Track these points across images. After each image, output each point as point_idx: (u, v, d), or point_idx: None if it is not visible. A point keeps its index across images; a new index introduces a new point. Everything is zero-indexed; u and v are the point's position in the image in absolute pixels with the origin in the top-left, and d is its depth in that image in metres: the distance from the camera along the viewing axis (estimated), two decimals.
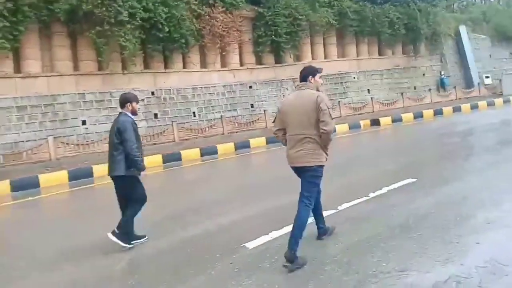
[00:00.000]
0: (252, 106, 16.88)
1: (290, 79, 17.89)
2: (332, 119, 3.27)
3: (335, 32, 19.53)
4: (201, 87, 15.72)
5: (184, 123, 14.66)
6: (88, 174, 9.53)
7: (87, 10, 11.94)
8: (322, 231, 3.85)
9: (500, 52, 26.01)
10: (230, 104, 16.29)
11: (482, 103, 18.24)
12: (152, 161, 11.00)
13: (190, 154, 11.84)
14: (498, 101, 18.73)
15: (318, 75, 3.51)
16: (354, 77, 19.81)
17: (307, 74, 3.49)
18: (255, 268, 3.38)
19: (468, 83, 23.54)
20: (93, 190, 8.56)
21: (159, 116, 14.51)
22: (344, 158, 8.70)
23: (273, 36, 16.52)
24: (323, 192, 3.87)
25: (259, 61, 17.68)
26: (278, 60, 17.82)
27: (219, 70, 16.35)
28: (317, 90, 3.48)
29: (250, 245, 3.89)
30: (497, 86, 22.47)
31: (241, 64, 17.19)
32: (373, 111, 18.26)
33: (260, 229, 4.23)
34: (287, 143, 3.49)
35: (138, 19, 12.93)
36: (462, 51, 24.06)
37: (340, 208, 4.72)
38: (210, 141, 13.72)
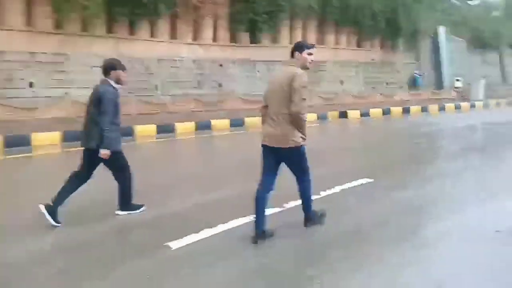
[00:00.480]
0: (220, 85, 16.13)
1: (264, 61, 17.21)
2: (303, 99, 3.09)
3: (315, 18, 18.92)
4: (168, 60, 14.79)
5: (144, 96, 13.77)
6: (26, 142, 8.62)
7: None
8: (261, 234, 3.32)
9: (474, 57, 26.33)
10: (197, 81, 15.48)
11: (450, 106, 18.32)
12: None
13: (145, 130, 11.06)
14: (465, 105, 18.91)
15: (306, 51, 3.31)
16: (329, 67, 19.38)
17: (294, 49, 3.33)
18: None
19: (439, 84, 23.73)
20: (28, 160, 7.71)
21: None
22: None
23: (250, 14, 15.72)
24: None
25: (233, 39, 16.86)
26: (254, 40, 17.07)
27: (189, 44, 15.43)
28: (305, 68, 3.30)
29: (174, 244, 3.34)
30: (466, 91, 22.76)
31: (214, 40, 16.33)
32: (344, 103, 17.97)
33: (188, 228, 3.69)
34: (263, 121, 3.35)
35: None
36: (437, 52, 24.14)
37: (286, 206, 4.24)
38: (170, 118, 12.94)
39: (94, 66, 13.09)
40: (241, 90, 16.22)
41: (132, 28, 14.05)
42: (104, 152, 3.70)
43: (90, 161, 3.85)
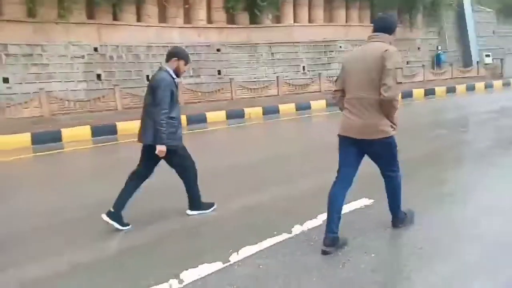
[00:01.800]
0: (219, 72, 14.66)
1: (266, 43, 15.60)
2: (399, 83, 2.61)
3: None
4: (158, 46, 13.40)
5: (133, 88, 12.49)
6: None
7: None
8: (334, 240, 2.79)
9: (505, 28, 23.75)
10: (192, 68, 14.05)
11: (479, 85, 16.27)
12: (76, 134, 9.03)
13: (130, 127, 9.78)
14: (497, 83, 16.78)
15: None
16: (340, 46, 17.53)
17: (384, 25, 2.83)
18: None
19: (467, 61, 21.44)
20: None
21: (103, 77, 12.28)
22: (291, 150, 6.78)
23: None
24: None
25: (231, 20, 15.28)
26: (254, 20, 15.43)
27: (181, 27, 13.97)
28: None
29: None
30: (498, 67, 20.45)
31: (209, 22, 14.80)
32: None
33: None
34: (344, 108, 2.86)
35: None
36: (463, 26, 21.77)
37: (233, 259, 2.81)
38: None
39: (75, 57, 11.91)
40: (241, 77, 14.71)
41: (116, 13, 12.68)
42: (160, 149, 3.34)
43: (149, 157, 3.50)
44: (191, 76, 13.96)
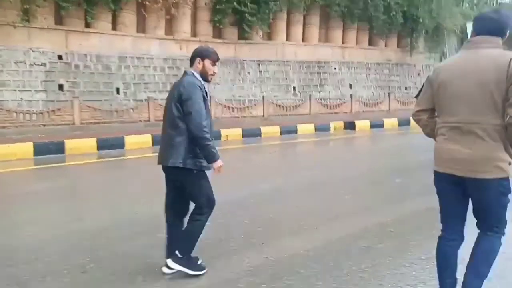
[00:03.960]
0: None
1: (254, 60, 14.47)
2: None
3: (318, 11, 16.07)
4: (132, 57, 12.22)
5: (99, 101, 11.22)
6: None
7: None
8: None
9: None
10: (170, 83, 12.80)
11: None
12: (13, 152, 7.71)
13: (80, 146, 8.47)
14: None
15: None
16: (334, 68, 16.41)
17: (495, 26, 2.07)
18: None
19: None
20: None
21: (65, 88, 11.00)
22: (260, 190, 5.42)
23: (234, 3, 13.01)
24: None
25: (218, 35, 14.19)
26: (243, 36, 14.33)
27: (161, 38, 12.83)
28: None
29: None
30: None
31: (194, 35, 13.70)
32: (351, 111, 14.99)
33: None
34: (439, 134, 2.15)
35: None
36: None
37: None
38: (124, 129, 10.34)
39: (36, 64, 10.69)
40: (224, 96, 13.48)
41: (88, 20, 11.54)
42: (217, 165, 2.66)
43: (176, 184, 2.76)
44: (168, 91, 12.71)
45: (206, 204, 2.70)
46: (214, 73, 2.78)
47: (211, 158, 2.64)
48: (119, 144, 8.87)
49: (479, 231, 2.16)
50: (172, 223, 2.81)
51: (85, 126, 10.03)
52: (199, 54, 2.79)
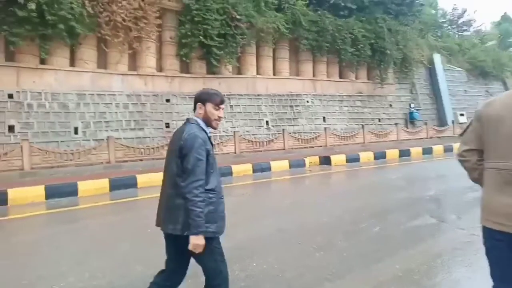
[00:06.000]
0: (167, 125, 12.72)
1: (225, 95, 13.91)
2: None
3: (288, 45, 15.97)
4: (93, 94, 11.45)
5: (54, 142, 10.29)
6: None
7: None
8: None
9: (476, 88, 23.45)
10: (134, 120, 12.07)
11: (457, 146, 14.96)
12: None
13: (26, 195, 7.48)
14: None
15: None
16: (307, 101, 16.16)
17: None
18: None
19: (442, 120, 20.53)
20: None
21: (16, 129, 10.05)
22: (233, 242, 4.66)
23: (201, 37, 12.61)
24: None
25: (185, 69, 13.70)
26: (211, 70, 13.90)
27: (123, 74, 12.18)
28: None
29: None
30: None
31: (160, 70, 13.14)
32: (326, 145, 14.57)
33: None
34: (489, 182, 1.82)
35: None
36: (435, 83, 21.18)
37: None
38: (80, 173, 9.40)
39: None
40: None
41: (43, 56, 10.77)
42: (195, 242, 2.18)
43: (177, 250, 2.34)
44: (132, 129, 11.93)
45: (216, 277, 2.32)
46: (219, 117, 2.43)
47: (192, 228, 2.17)
48: (71, 191, 7.92)
49: None
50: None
51: (36, 171, 9.03)
52: (199, 99, 2.48)
